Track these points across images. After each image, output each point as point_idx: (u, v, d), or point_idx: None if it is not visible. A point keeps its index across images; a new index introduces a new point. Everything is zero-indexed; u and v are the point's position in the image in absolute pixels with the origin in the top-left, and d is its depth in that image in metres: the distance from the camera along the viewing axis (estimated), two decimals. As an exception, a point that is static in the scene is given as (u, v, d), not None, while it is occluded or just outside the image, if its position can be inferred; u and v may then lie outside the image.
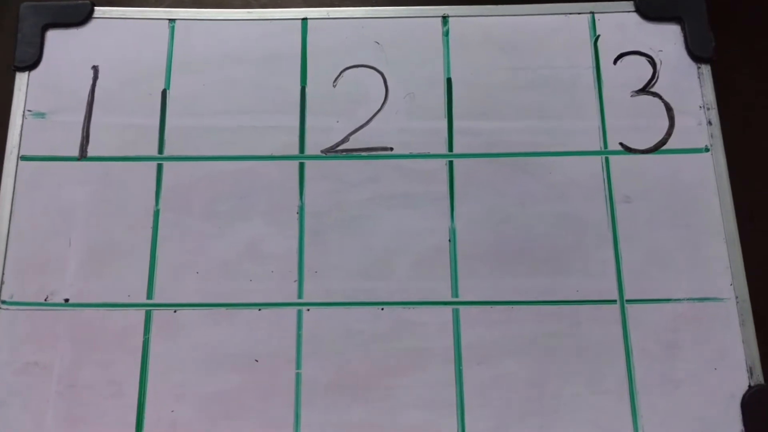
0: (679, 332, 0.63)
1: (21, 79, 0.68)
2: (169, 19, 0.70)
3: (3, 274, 0.63)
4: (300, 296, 0.63)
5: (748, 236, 0.65)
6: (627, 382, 0.61)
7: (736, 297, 0.63)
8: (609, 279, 0.64)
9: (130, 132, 0.67)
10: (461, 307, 0.63)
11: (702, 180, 0.67)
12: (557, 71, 0.70)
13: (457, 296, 0.63)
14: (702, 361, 0.62)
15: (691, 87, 0.69)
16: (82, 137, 0.67)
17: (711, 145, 0.67)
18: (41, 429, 0.59)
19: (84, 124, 0.67)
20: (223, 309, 0.62)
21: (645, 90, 0.69)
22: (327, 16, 0.71)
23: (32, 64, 0.68)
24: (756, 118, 0.71)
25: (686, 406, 0.61)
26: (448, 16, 0.71)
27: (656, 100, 0.69)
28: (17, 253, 0.63)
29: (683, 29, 0.71)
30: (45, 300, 0.62)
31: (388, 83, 0.69)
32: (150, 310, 0.62)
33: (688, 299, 0.63)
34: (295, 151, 0.67)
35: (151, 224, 0.65)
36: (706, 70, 0.70)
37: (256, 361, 0.61)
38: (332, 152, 0.67)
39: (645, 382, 0.61)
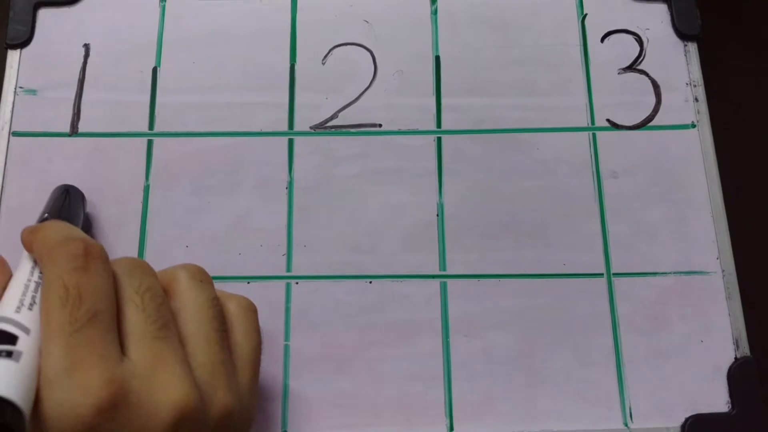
0: (666, 305, 0.63)
1: (13, 56, 0.69)
2: (160, -2, 0.71)
3: (-7, 247, 0.63)
4: (288, 269, 0.63)
5: (735, 211, 0.65)
6: (614, 354, 0.62)
7: (723, 271, 0.64)
8: (596, 253, 0.64)
9: (121, 108, 0.68)
10: (449, 280, 0.63)
11: (688, 156, 0.67)
12: (545, 49, 0.70)
13: (444, 269, 0.64)
14: (688, 334, 0.62)
15: (677, 64, 0.70)
16: (73, 113, 0.67)
17: (697, 122, 0.68)
18: (30, 399, 0.60)
19: (75, 100, 0.68)
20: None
21: (632, 67, 0.70)
22: (316, -5, 0.72)
23: (24, 42, 0.69)
24: (741, 94, 0.72)
25: (672, 377, 0.61)
26: (436, -5, 0.72)
27: (643, 77, 0.69)
28: (8, 228, 0.64)
29: (670, 7, 0.71)
30: (35, 273, 0.63)
31: (377, 61, 0.69)
32: (139, 283, 0.63)
33: (674, 273, 0.64)
34: (285, 128, 0.67)
35: (141, 199, 0.65)
36: (692, 47, 0.70)
37: (245, 333, 0.62)
38: (321, 128, 0.67)
39: (632, 354, 0.62)
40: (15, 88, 0.68)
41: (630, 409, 0.60)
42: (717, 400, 0.61)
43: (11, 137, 0.66)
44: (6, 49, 0.69)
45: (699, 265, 0.64)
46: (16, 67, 0.68)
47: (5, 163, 0.66)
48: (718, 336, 0.62)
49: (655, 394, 0.61)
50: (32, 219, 0.64)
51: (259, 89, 0.68)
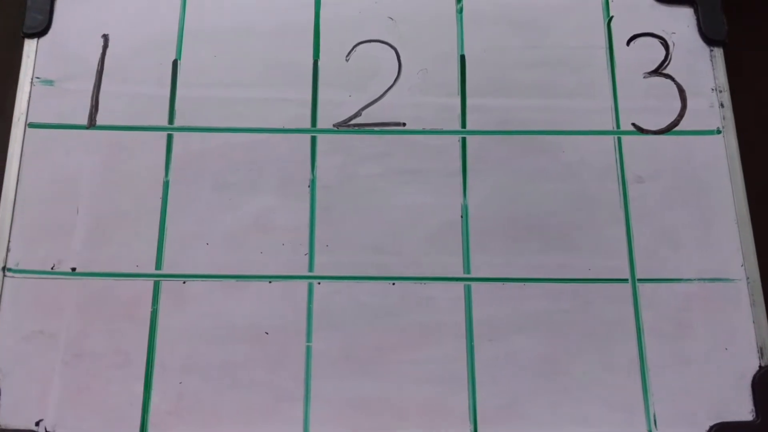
0: (691, 312, 0.63)
1: (30, 45, 0.67)
2: (181, -10, 0.70)
3: (9, 241, 0.62)
4: (311, 269, 0.62)
5: (759, 218, 0.65)
6: (638, 360, 0.61)
7: (747, 278, 0.63)
8: (621, 258, 0.64)
9: (140, 101, 0.66)
10: (473, 283, 0.63)
11: (713, 162, 0.67)
12: (571, 51, 0.70)
13: (468, 272, 0.63)
14: (713, 341, 0.62)
15: (703, 69, 0.69)
16: (91, 105, 0.66)
17: (723, 128, 0.67)
18: (47, 398, 0.58)
19: (93, 92, 0.66)
20: (233, 281, 0.62)
21: (657, 71, 0.69)
22: (340, -10, 0.70)
23: (41, 31, 0.67)
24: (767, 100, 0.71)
25: (697, 385, 0.61)
26: (462, -6, 0.71)
27: (669, 81, 0.69)
28: (24, 221, 0.62)
29: (696, 12, 0.71)
30: (51, 268, 0.61)
31: (401, 59, 0.68)
32: (158, 280, 0.61)
33: (699, 279, 0.63)
34: (307, 125, 0.66)
35: (160, 194, 0.64)
36: (718, 52, 0.70)
37: (267, 333, 0.61)
38: (344, 126, 0.66)
39: (656, 361, 0.61)
40: (32, 79, 0.66)
41: (654, 415, 0.60)
42: (741, 409, 0.60)
43: (27, 128, 0.65)
44: (23, 38, 0.67)
45: (723, 272, 0.64)
46: (33, 56, 0.67)
47: (21, 155, 0.64)
48: (742, 344, 0.62)
49: (680, 401, 0.60)
50: (48, 211, 0.63)
51: (282, 85, 0.67)
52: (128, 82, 0.67)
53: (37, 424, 0.58)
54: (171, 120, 0.66)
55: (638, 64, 0.69)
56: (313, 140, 0.66)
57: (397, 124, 0.67)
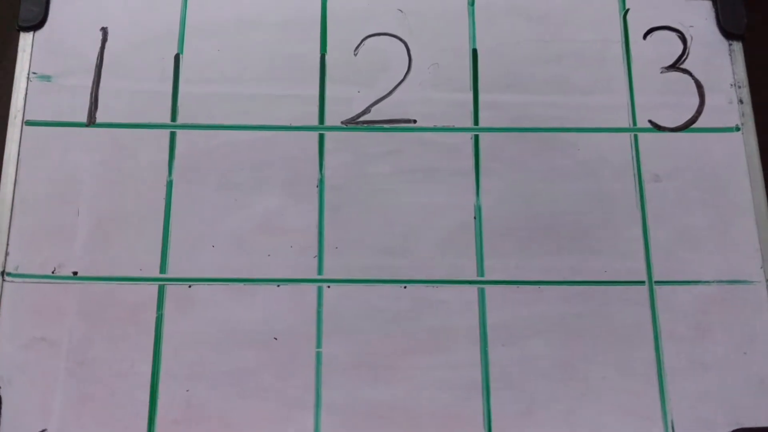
0: (709, 315, 0.61)
1: (25, 39, 0.65)
2: (183, -20, 0.67)
3: (8, 244, 0.60)
4: (320, 272, 0.61)
5: (779, 218, 0.63)
6: (655, 365, 0.60)
7: (767, 280, 0.62)
8: (637, 259, 0.62)
9: (141, 98, 0.64)
10: (487, 287, 0.61)
11: (732, 160, 0.65)
12: (585, 45, 0.67)
13: (482, 275, 0.61)
14: (731, 345, 0.61)
15: (722, 64, 0.67)
16: (91, 102, 0.63)
17: (742, 125, 0.66)
18: (49, 407, 0.57)
19: (92, 88, 0.64)
20: (240, 284, 0.60)
21: (675, 66, 0.67)
22: (348, -19, 0.68)
23: (37, 24, 0.65)
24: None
25: (715, 389, 0.59)
26: (473, -15, 0.68)
27: (686, 76, 0.67)
28: (23, 223, 0.60)
29: (715, 5, 0.69)
30: (52, 272, 0.59)
31: (412, 53, 0.66)
32: (163, 284, 0.60)
33: (717, 281, 0.62)
34: (315, 122, 0.64)
35: (163, 195, 0.62)
36: (737, 47, 0.68)
37: (275, 338, 0.59)
38: (353, 123, 0.64)
39: (673, 365, 0.60)
40: (28, 74, 0.64)
41: (672, 422, 0.58)
42: (761, 414, 0.59)
43: (24, 126, 0.62)
44: (18, 31, 0.64)
45: (742, 274, 0.62)
46: (29, 51, 0.64)
47: (18, 154, 0.62)
48: (761, 347, 0.61)
49: (698, 407, 0.59)
50: (48, 213, 0.61)
51: (288, 80, 0.65)
52: (129, 78, 0.64)
53: (39, 434, 0.56)
54: (174, 117, 0.64)
55: (655, 58, 0.67)
56: (321, 138, 0.64)
57: (408, 121, 0.65)
